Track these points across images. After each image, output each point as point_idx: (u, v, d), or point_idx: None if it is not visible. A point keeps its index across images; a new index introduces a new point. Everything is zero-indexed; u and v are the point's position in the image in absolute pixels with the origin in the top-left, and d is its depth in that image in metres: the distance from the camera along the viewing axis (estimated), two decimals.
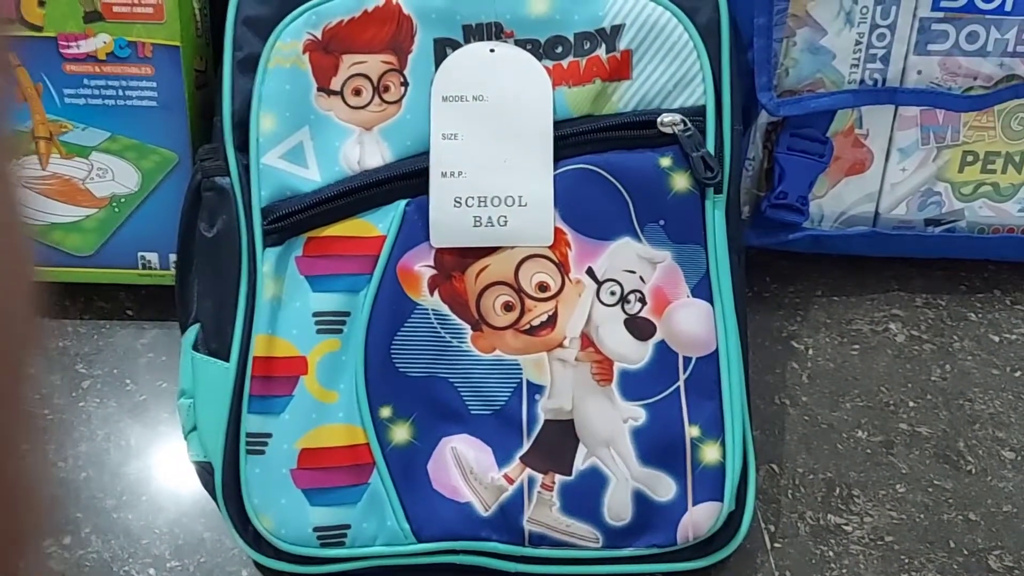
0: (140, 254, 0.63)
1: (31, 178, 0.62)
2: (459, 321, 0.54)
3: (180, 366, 0.56)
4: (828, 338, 0.66)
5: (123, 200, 0.62)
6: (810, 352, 0.65)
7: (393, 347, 0.53)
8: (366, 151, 0.57)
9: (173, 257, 0.63)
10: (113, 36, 0.58)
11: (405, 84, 0.56)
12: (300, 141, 0.57)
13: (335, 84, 0.57)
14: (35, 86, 0.59)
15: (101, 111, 0.60)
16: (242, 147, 0.57)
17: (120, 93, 0.59)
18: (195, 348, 0.55)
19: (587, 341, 0.54)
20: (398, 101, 0.57)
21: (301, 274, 0.55)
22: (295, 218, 0.55)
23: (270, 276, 0.54)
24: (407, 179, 0.56)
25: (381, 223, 0.55)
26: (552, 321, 0.54)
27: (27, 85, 0.59)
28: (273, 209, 0.55)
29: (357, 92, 0.57)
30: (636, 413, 0.52)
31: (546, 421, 0.52)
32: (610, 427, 0.52)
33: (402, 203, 0.55)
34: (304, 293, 0.54)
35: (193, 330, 0.56)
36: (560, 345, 0.53)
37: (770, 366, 0.63)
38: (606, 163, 0.56)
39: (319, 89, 0.57)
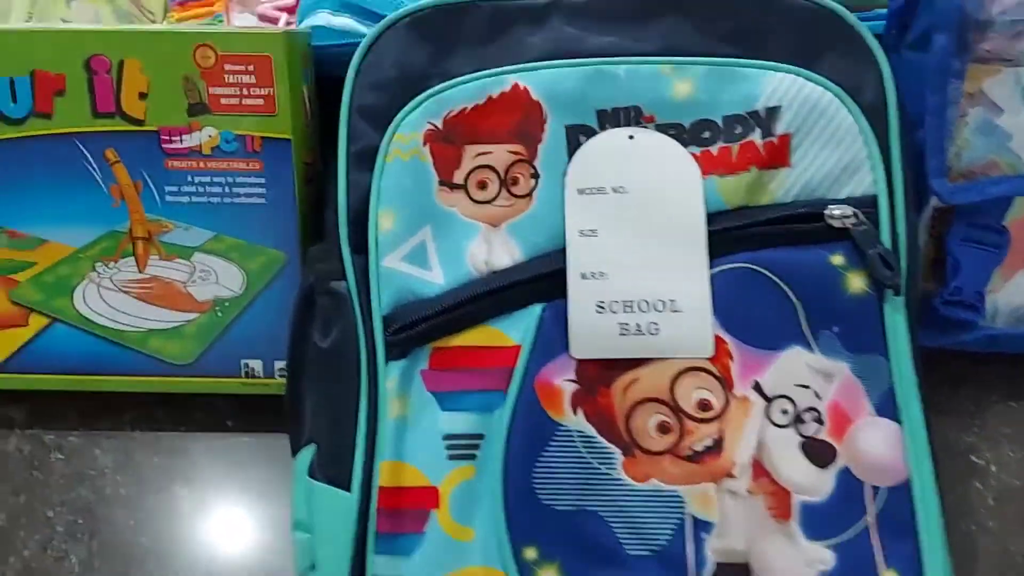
0: (243, 361, 0.58)
1: (128, 281, 0.57)
2: (607, 444, 0.47)
3: (293, 493, 0.50)
4: (1011, 451, 0.58)
5: (227, 304, 0.57)
6: (993, 468, 0.57)
7: (535, 475, 0.47)
8: (494, 250, 0.51)
9: (278, 365, 0.57)
10: (219, 129, 0.53)
11: (535, 176, 0.51)
12: (422, 241, 0.51)
13: (458, 177, 0.51)
14: (134, 183, 0.55)
15: (205, 209, 0.55)
16: (359, 248, 0.51)
17: (226, 190, 0.55)
18: (311, 474, 0.49)
19: (760, 469, 0.46)
20: (528, 195, 0.51)
21: (428, 390, 0.48)
22: (419, 327, 0.49)
23: (394, 393, 0.48)
24: (541, 281, 0.50)
25: (514, 331, 0.49)
26: (718, 446, 0.47)
27: (126, 183, 0.54)
28: (395, 317, 0.49)
29: (482, 185, 0.51)
30: (823, 556, 0.45)
31: (718, 565, 0.45)
32: (794, 573, 0.44)
33: (537, 308, 0.49)
34: (432, 412, 0.48)
35: (308, 452, 0.50)
36: (728, 474, 0.46)
37: (950, 485, 0.55)
38: (769, 261, 0.49)
39: (441, 183, 0.51)
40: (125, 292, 0.58)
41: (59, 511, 0.59)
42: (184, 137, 0.54)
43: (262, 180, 0.55)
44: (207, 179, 0.55)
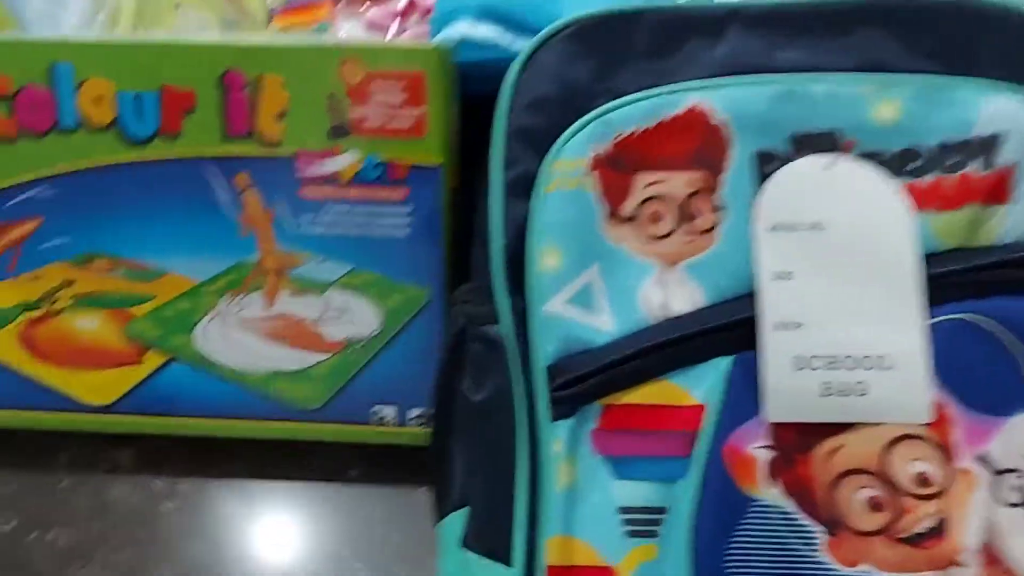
0: (374, 408, 0.53)
1: (254, 319, 0.52)
2: (809, 521, 0.41)
3: (442, 562, 0.44)
4: None
5: (360, 345, 0.52)
6: None
7: (727, 558, 0.40)
8: (671, 293, 0.45)
9: (412, 413, 0.52)
10: (363, 154, 0.48)
11: (718, 209, 0.45)
12: (589, 281, 0.45)
13: (628, 209, 0.45)
14: (266, 212, 0.49)
15: (342, 241, 0.50)
16: (516, 289, 0.45)
17: (366, 220, 0.49)
18: (465, 543, 0.43)
19: (991, 556, 0.40)
20: (710, 230, 0.45)
21: (599, 454, 0.43)
22: (589, 381, 0.43)
23: (561, 458, 0.42)
24: (728, 331, 0.44)
25: (697, 389, 0.43)
26: (940, 528, 0.40)
27: (257, 211, 0.49)
28: (560, 369, 0.44)
29: (656, 219, 0.45)
30: None
31: None
32: None
33: (723, 362, 0.43)
34: (605, 481, 0.42)
35: (458, 517, 0.45)
36: (954, 562, 0.40)
37: None
38: (995, 312, 0.42)
39: (610, 215, 0.45)
40: (250, 330, 0.53)
41: (170, 566, 0.54)
42: (324, 162, 0.49)
43: (406, 210, 0.50)
44: (346, 208, 0.50)
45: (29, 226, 0.53)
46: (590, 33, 0.49)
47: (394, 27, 0.74)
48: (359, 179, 0.50)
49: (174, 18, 0.70)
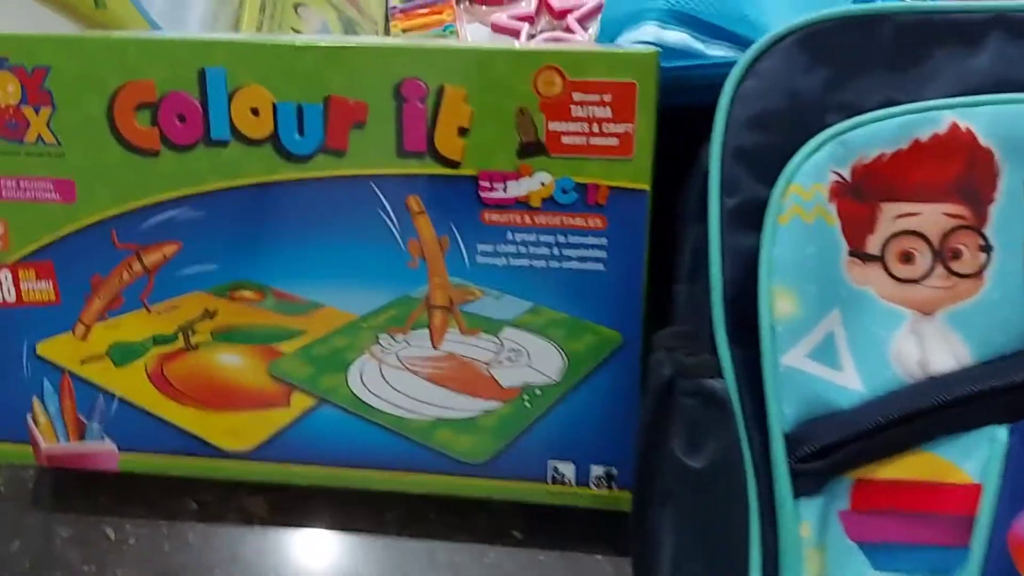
0: (551, 464, 0.46)
1: (418, 359, 0.45)
2: None
3: None
4: None
5: (538, 392, 0.45)
6: None
7: None
8: (929, 347, 0.38)
9: (595, 471, 0.45)
10: (556, 176, 0.42)
11: (986, 248, 0.38)
12: (830, 331, 0.39)
13: (873, 246, 0.39)
14: (439, 240, 0.43)
15: (525, 274, 0.44)
16: (740, 337, 0.39)
17: (554, 251, 0.43)
18: None
19: None
20: (976, 273, 0.38)
21: (852, 540, 0.36)
22: (838, 452, 0.36)
23: (810, 543, 0.36)
24: (1004, 395, 0.37)
25: (968, 463, 0.36)
26: None
27: (429, 238, 0.43)
28: (803, 436, 0.37)
29: (907, 258, 0.39)
30: None
31: None
32: None
33: (1000, 432, 0.37)
34: (860, 571, 0.35)
35: None
36: None
37: None
38: None
39: (851, 253, 0.38)
40: (413, 371, 0.47)
41: None
42: (509, 184, 0.43)
43: (603, 241, 0.43)
44: (532, 237, 0.44)
45: (167, 250, 0.47)
46: (821, 38, 0.42)
47: (525, 31, 0.68)
48: (550, 204, 0.43)
49: (295, 18, 0.64)
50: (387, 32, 0.72)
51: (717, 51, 0.51)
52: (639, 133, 0.42)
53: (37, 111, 0.46)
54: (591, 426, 0.47)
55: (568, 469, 0.48)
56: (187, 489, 0.54)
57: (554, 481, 0.48)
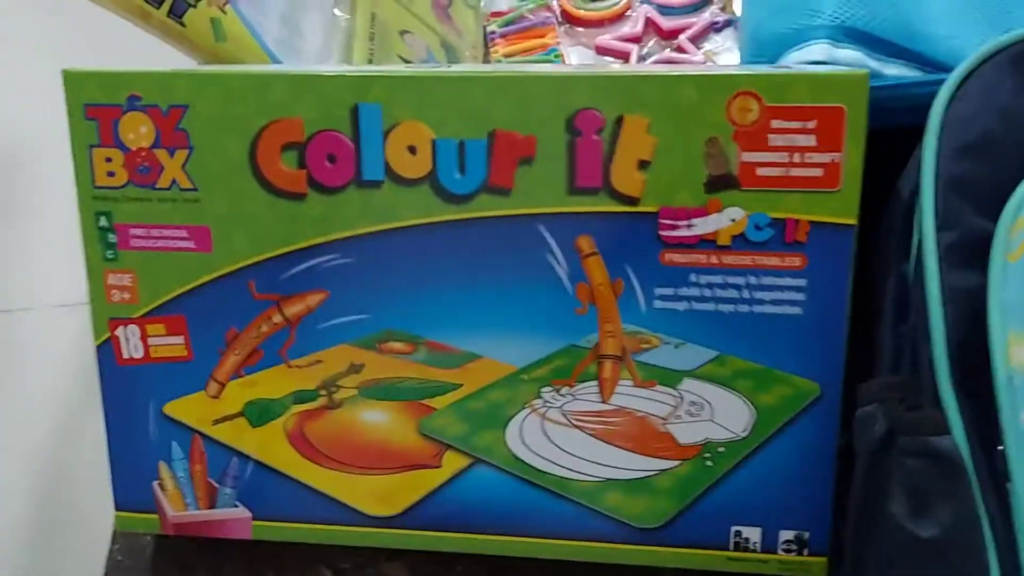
0: (735, 529, 0.42)
1: (585, 414, 0.42)
2: None
3: None
4: None
5: (721, 450, 0.41)
6: None
7: None
8: None
9: (785, 536, 0.41)
10: (749, 212, 0.38)
11: None
12: None
13: None
14: (613, 283, 0.40)
15: (709, 320, 0.40)
16: (967, 389, 0.34)
17: (744, 294, 0.40)
18: None
19: None
20: None
21: None
22: None
23: None
24: None
25: None
26: None
27: (601, 282, 0.40)
28: None
29: None
30: None
31: None
32: None
33: None
34: None
35: None
36: None
37: None
38: None
39: None
40: (579, 428, 0.43)
41: None
42: (694, 222, 0.40)
43: (802, 282, 0.40)
44: (718, 279, 0.40)
45: (311, 300, 0.44)
46: None
47: (635, 52, 0.65)
48: (740, 242, 0.40)
49: (401, 44, 0.62)
50: (486, 55, 0.70)
51: (893, 70, 0.48)
52: (847, 162, 0.38)
53: (172, 154, 0.43)
54: (781, 487, 0.42)
55: (754, 534, 0.43)
56: (322, 555, 0.50)
57: (736, 547, 0.44)
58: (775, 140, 0.39)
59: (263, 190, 0.44)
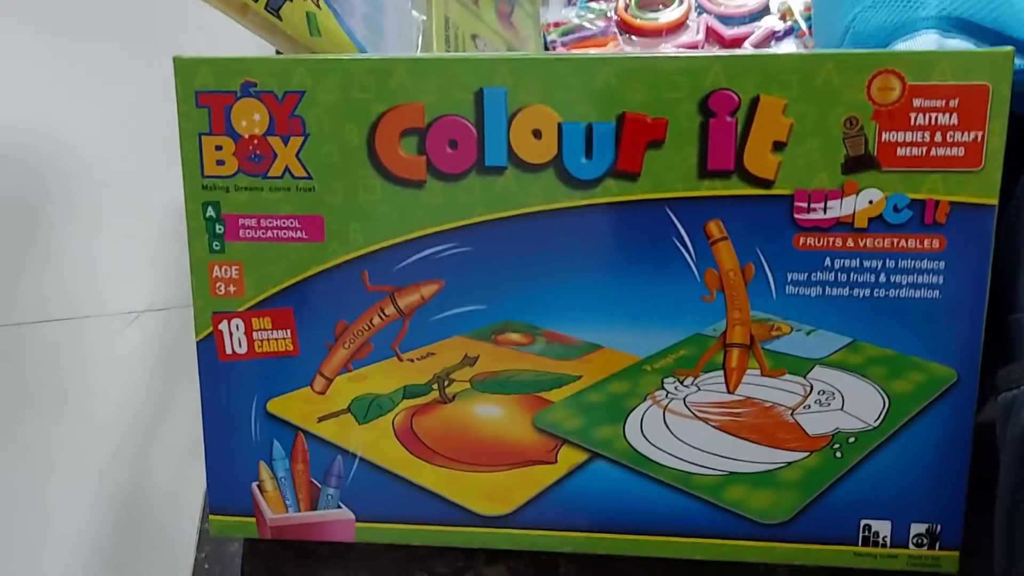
0: (864, 523, 0.41)
1: (710, 405, 0.41)
2: None
3: None
4: None
5: (852, 440, 0.41)
6: None
7: None
8: None
9: (916, 529, 0.40)
10: (887, 193, 0.38)
11: None
12: None
13: None
14: (743, 268, 0.39)
15: (843, 305, 0.40)
16: None
17: (881, 278, 0.39)
18: None
19: None
20: None
21: None
22: None
23: None
24: None
25: None
26: None
27: (731, 267, 0.39)
28: None
29: None
30: None
31: None
32: None
33: None
34: None
35: None
36: None
37: None
38: None
39: None
40: (703, 420, 0.42)
41: None
42: (831, 204, 0.39)
43: (941, 264, 0.39)
44: (854, 263, 0.40)
45: (426, 291, 0.43)
46: None
47: None
48: (878, 225, 0.40)
49: (473, 47, 0.62)
50: None
51: None
52: (990, 141, 0.38)
53: (286, 141, 0.43)
54: (913, 478, 0.42)
55: (883, 527, 0.43)
56: (417, 559, 0.49)
57: (865, 542, 0.43)
58: (917, 119, 0.39)
59: (381, 177, 0.43)
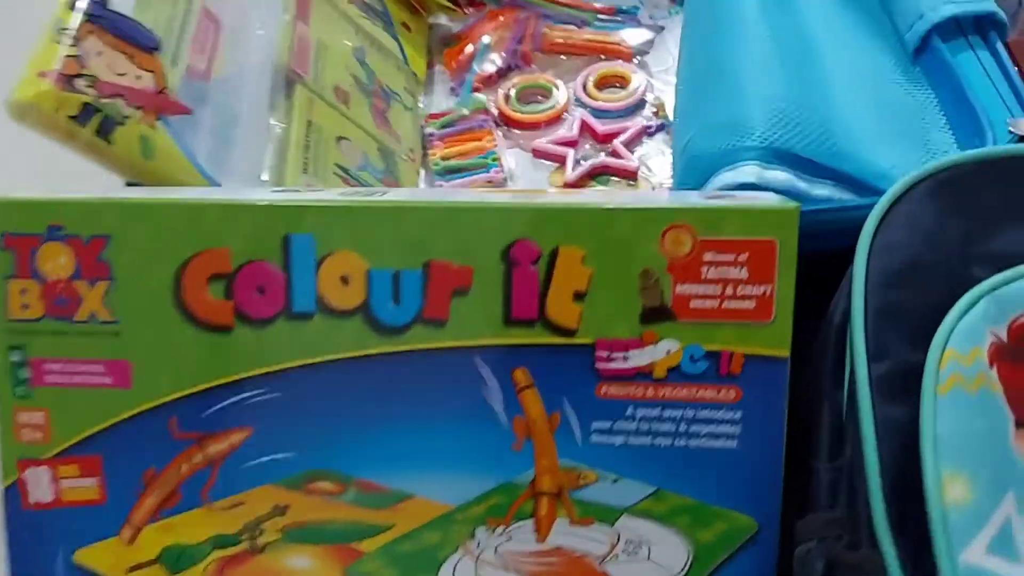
0: None
1: (520, 554, 0.41)
2: None
3: None
4: None
5: None
6: None
7: None
8: None
9: None
10: (684, 344, 0.39)
11: None
12: (1007, 518, 0.36)
13: None
14: (549, 417, 0.40)
15: (646, 455, 0.41)
16: (903, 527, 0.35)
17: (681, 428, 0.41)
18: None
19: None
20: None
21: None
22: None
23: None
24: None
25: None
26: None
27: (537, 416, 0.40)
28: None
29: None
30: None
31: None
32: None
33: None
34: None
35: None
36: None
37: None
38: None
39: (1018, 424, 0.35)
40: (515, 570, 0.42)
41: None
42: (631, 354, 0.40)
43: (738, 415, 0.41)
44: (655, 412, 0.41)
45: (235, 438, 0.43)
46: (958, 183, 0.42)
47: (571, 157, 0.68)
48: (676, 375, 0.41)
49: (338, 152, 0.63)
50: (425, 157, 0.71)
51: (821, 190, 0.50)
52: (779, 294, 0.40)
53: (92, 284, 0.43)
54: None
55: None
56: None
57: None
58: (708, 272, 0.40)
59: (187, 322, 0.43)
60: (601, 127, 0.71)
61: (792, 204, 0.41)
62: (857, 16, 0.58)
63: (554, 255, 0.42)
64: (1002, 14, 0.53)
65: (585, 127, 0.71)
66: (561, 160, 0.69)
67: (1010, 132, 0.48)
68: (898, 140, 0.52)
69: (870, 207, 0.42)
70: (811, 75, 0.54)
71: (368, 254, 0.42)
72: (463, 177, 0.68)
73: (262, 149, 0.59)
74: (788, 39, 0.57)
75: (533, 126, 0.73)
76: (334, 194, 0.45)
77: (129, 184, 0.53)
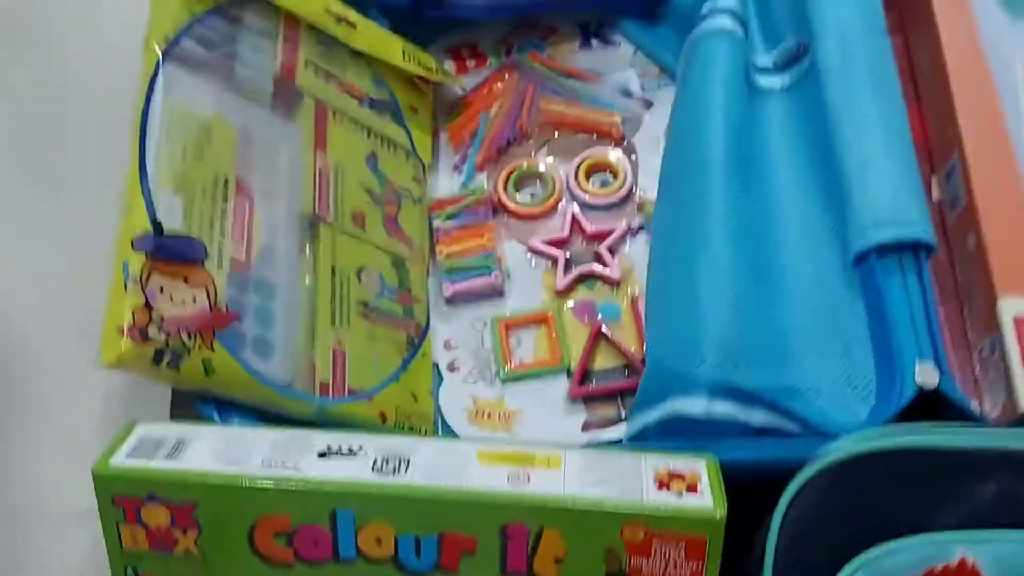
0: None
1: None
2: None
3: None
4: None
5: None
6: None
7: None
8: None
9: None
10: None
11: None
12: None
13: None
14: None
15: None
16: None
17: None
18: None
19: None
20: None
21: None
22: None
23: None
24: None
25: None
26: None
27: None
28: None
29: None
30: None
31: None
32: None
33: None
34: None
35: None
36: None
37: None
38: None
39: None
40: None
41: None
42: None
43: None
44: None
45: None
46: (862, 466, 0.54)
47: (562, 259, 0.78)
48: None
49: (359, 287, 0.73)
50: (432, 257, 0.80)
51: (758, 416, 0.61)
52: (707, 569, 0.53)
53: (185, 532, 0.56)
54: None
55: None
56: None
57: None
58: (656, 551, 0.53)
59: (259, 561, 0.57)
60: (590, 227, 0.80)
61: (720, 514, 0.53)
62: (820, 204, 0.66)
63: (540, 533, 0.54)
64: (934, 239, 0.60)
65: (575, 223, 0.81)
66: (554, 259, 0.79)
67: (915, 380, 0.58)
68: (827, 351, 0.62)
69: (786, 461, 0.54)
70: (760, 286, 0.64)
71: (396, 524, 0.55)
72: (467, 279, 0.79)
73: (295, 313, 0.69)
74: (745, 233, 0.66)
75: (528, 217, 0.82)
76: (370, 474, 0.56)
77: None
